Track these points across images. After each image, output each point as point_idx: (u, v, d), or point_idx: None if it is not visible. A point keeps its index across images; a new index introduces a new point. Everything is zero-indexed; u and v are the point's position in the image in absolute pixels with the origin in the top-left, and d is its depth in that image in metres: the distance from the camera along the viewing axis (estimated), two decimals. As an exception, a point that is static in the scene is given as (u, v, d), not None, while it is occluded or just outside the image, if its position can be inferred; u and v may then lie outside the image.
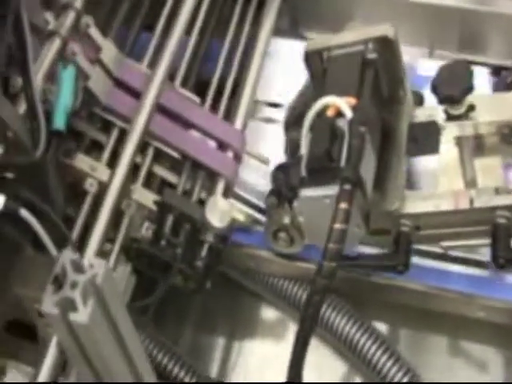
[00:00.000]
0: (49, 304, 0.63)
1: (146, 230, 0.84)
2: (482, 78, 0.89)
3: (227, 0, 1.05)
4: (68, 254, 0.64)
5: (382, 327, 0.93)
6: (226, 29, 1.02)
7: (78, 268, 0.63)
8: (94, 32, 0.86)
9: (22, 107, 0.76)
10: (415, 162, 0.87)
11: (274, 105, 1.05)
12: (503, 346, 0.92)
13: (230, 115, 0.95)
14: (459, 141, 0.82)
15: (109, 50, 0.87)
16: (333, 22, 1.14)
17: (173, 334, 0.98)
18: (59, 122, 0.78)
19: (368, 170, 0.77)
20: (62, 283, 0.63)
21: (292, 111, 0.95)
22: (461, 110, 0.80)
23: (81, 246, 0.78)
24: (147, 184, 0.87)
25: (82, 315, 0.62)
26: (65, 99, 0.79)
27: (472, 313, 0.89)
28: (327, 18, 1.16)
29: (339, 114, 0.77)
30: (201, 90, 0.95)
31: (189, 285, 0.84)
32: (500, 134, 0.82)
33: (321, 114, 0.78)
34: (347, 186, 0.72)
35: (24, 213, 0.67)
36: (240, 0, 1.05)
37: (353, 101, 0.78)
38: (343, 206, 0.71)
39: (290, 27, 1.16)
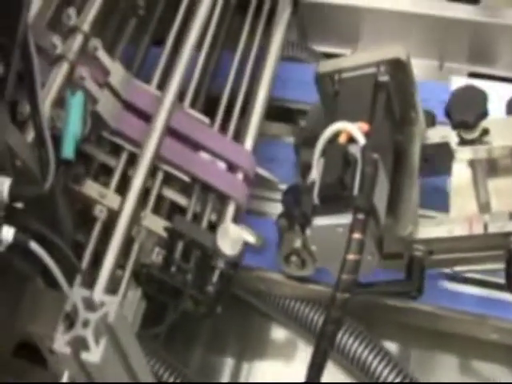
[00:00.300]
0: (60, 343, 0.62)
1: (156, 256, 0.84)
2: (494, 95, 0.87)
3: (237, 14, 1.04)
4: (79, 292, 0.63)
5: (392, 347, 0.93)
6: (236, 42, 1.01)
7: (90, 306, 0.63)
8: (102, 55, 0.86)
9: (31, 135, 0.75)
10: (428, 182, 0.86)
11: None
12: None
13: (239, 135, 0.94)
14: (472, 163, 0.80)
15: (117, 73, 0.87)
16: (341, 34, 1.14)
17: (183, 355, 0.98)
18: (68, 151, 0.77)
19: (381, 197, 0.76)
20: (73, 321, 0.62)
21: (302, 132, 0.94)
22: (475, 134, 0.79)
23: (92, 273, 0.77)
24: (157, 207, 0.86)
25: (94, 355, 0.62)
26: (74, 127, 0.79)
27: (485, 334, 0.88)
28: (336, 31, 1.16)
29: (351, 139, 0.76)
30: (210, 105, 0.94)
31: (199, 309, 0.84)
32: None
33: (333, 139, 0.77)
34: (360, 216, 0.71)
35: (34, 246, 0.66)
36: (250, 13, 1.04)
37: (365, 127, 0.77)
38: (357, 236, 0.70)
39: (298, 40, 1.15)
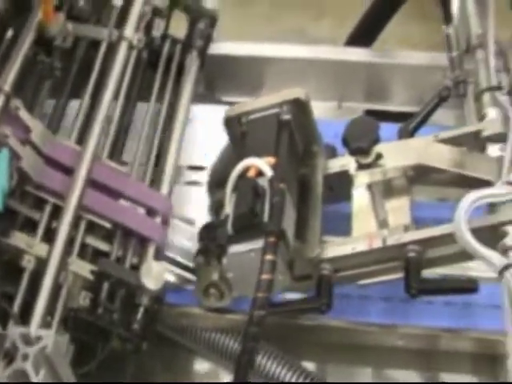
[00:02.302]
0: (2, 379, 0.66)
1: (83, 300, 0.87)
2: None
3: (148, 70, 1.11)
4: (16, 329, 0.67)
5: (309, 365, 0.97)
6: (149, 98, 1.07)
7: (28, 341, 0.67)
8: (23, 113, 0.91)
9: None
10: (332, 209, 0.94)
11: (197, 168, 1.10)
12: (423, 368, 0.98)
13: (156, 181, 1.00)
14: (370, 186, 0.88)
15: (37, 130, 0.92)
16: (246, 84, 1.22)
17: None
18: (-2, 204, 0.82)
19: (289, 222, 0.84)
20: (13, 357, 0.66)
21: (214, 174, 1.01)
22: (370, 159, 0.87)
23: (23, 322, 0.81)
24: (82, 254, 0.91)
25: (35, 386, 0.66)
26: (1, 181, 0.84)
27: (393, 342, 0.95)
28: (241, 80, 1.23)
29: (260, 173, 0.84)
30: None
31: (127, 347, 0.88)
32: (406, 177, 0.89)
33: (243, 174, 0.85)
34: (271, 239, 0.78)
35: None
36: (160, 68, 1.11)
37: (272, 160, 0.86)
38: (269, 257, 0.77)
39: (206, 92, 1.22)
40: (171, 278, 0.94)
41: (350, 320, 0.94)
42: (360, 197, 0.90)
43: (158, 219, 0.96)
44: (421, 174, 0.90)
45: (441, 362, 0.97)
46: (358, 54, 1.22)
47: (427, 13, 1.10)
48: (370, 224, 0.88)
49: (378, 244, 0.84)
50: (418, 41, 1.19)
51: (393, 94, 1.22)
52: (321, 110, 1.06)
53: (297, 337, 0.96)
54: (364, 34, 1.30)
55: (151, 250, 0.93)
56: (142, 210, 0.96)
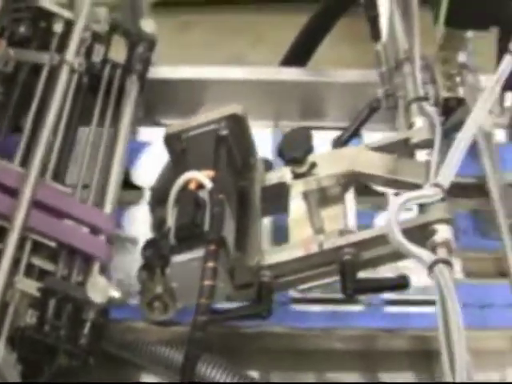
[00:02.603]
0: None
1: (30, 318, 0.88)
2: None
3: (89, 95, 1.13)
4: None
5: (253, 374, 0.99)
6: (90, 121, 1.10)
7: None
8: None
9: None
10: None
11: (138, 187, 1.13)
12: (363, 368, 1.00)
13: (99, 202, 1.02)
14: (305, 195, 0.92)
15: (-20, 154, 0.94)
16: (186, 107, 1.25)
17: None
18: None
19: (229, 232, 0.87)
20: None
21: (155, 192, 1.03)
22: (304, 168, 0.91)
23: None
24: (28, 273, 0.92)
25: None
26: None
27: (332, 345, 0.99)
28: (180, 104, 1.26)
29: (200, 186, 0.87)
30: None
31: (73, 363, 0.89)
32: (340, 185, 0.93)
33: (184, 188, 0.88)
34: (212, 247, 0.81)
35: None
36: (101, 93, 1.13)
37: (211, 173, 0.89)
38: (210, 264, 0.80)
39: (145, 115, 1.25)
40: (116, 295, 0.96)
41: (291, 325, 0.97)
42: (297, 206, 0.94)
43: (102, 238, 0.98)
44: (354, 181, 0.94)
45: (380, 361, 1.00)
46: (292, 74, 1.26)
47: (358, 34, 1.14)
48: (307, 232, 0.91)
49: (314, 249, 0.87)
50: (351, 61, 1.23)
51: (327, 110, 1.27)
52: (258, 128, 1.08)
53: (240, 346, 0.98)
54: (298, 55, 1.34)
55: (96, 267, 0.95)
56: (86, 230, 0.98)
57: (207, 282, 0.79)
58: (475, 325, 0.94)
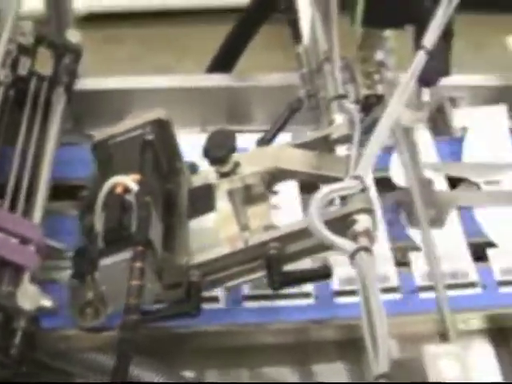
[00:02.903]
0: None
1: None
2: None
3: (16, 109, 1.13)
4: None
5: (187, 374, 1.00)
6: (17, 135, 1.10)
7: None
8: None
9: None
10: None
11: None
12: (295, 361, 1.02)
13: (28, 212, 1.02)
14: (231, 194, 0.94)
15: None
16: (114, 118, 1.25)
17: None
18: None
19: (156, 233, 0.88)
20: None
21: (85, 200, 1.04)
22: (228, 167, 0.92)
23: None
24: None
25: None
26: None
27: (264, 340, 1.00)
28: (108, 115, 1.26)
29: (127, 190, 0.88)
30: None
31: (4, 373, 0.89)
32: (264, 183, 0.95)
33: (111, 193, 0.88)
34: (139, 248, 0.82)
35: None
36: (28, 106, 1.13)
37: (137, 177, 0.90)
38: (137, 265, 0.81)
39: (74, 127, 1.25)
40: (47, 303, 0.96)
41: (222, 323, 0.98)
42: (223, 206, 0.95)
43: (32, 248, 0.98)
44: (278, 178, 0.96)
45: (311, 353, 1.01)
46: (217, 80, 1.29)
47: (283, 41, 1.17)
48: (234, 230, 0.93)
49: (240, 246, 0.89)
50: (275, 67, 1.26)
51: (253, 114, 1.29)
52: (186, 134, 1.10)
53: (173, 347, 0.99)
54: (222, 62, 1.36)
55: (26, 277, 0.94)
56: (15, 240, 0.98)
57: (135, 282, 0.80)
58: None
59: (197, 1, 2.10)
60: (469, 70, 1.43)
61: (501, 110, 1.29)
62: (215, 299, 0.99)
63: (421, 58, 0.94)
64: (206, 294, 0.92)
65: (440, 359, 0.86)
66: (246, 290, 1.00)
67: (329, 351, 1.01)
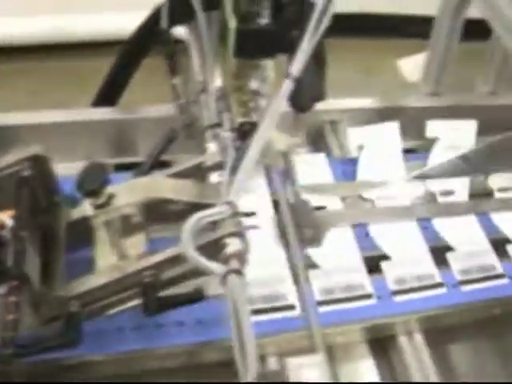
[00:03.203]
0: None
1: None
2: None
3: None
4: None
5: None
6: None
7: None
8: None
9: None
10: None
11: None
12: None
13: None
14: (107, 225, 0.95)
15: None
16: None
17: None
18: None
19: (32, 267, 0.89)
20: None
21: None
22: (102, 199, 0.94)
23: None
24: None
25: None
26: None
27: (152, 365, 1.02)
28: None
29: (2, 226, 0.89)
30: None
31: None
32: (141, 212, 0.97)
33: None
34: (14, 283, 0.83)
35: None
36: None
37: (12, 213, 0.90)
38: (12, 298, 0.82)
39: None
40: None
41: (108, 352, 1.00)
42: (101, 236, 0.97)
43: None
44: (154, 208, 0.98)
45: (202, 374, 1.04)
46: (102, 113, 1.31)
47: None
48: (112, 260, 0.95)
49: (117, 275, 0.90)
50: (165, 98, 1.28)
51: (139, 146, 1.31)
52: (71, 169, 1.11)
53: (59, 377, 0.99)
54: (107, 96, 1.38)
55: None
56: None
57: (10, 317, 0.81)
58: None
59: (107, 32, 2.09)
60: (361, 94, 1.49)
61: (393, 126, 1.37)
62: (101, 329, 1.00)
63: (287, 85, 0.98)
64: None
65: (304, 369, 0.90)
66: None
67: (217, 373, 1.03)
